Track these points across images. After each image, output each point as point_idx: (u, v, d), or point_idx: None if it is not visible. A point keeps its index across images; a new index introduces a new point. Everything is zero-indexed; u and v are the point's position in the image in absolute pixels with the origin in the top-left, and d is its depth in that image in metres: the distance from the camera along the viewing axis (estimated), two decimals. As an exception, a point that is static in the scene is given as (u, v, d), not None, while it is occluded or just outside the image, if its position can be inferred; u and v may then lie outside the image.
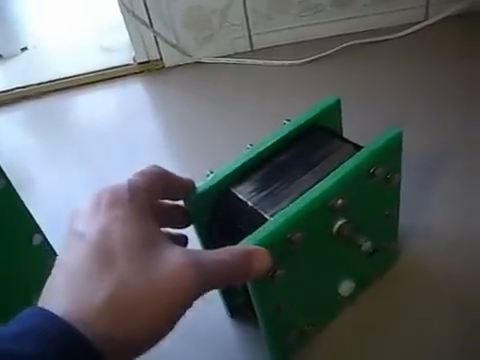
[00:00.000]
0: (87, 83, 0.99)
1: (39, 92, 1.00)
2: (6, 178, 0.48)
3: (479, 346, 0.47)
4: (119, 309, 0.29)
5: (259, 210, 0.41)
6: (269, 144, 0.46)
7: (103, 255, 0.30)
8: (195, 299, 0.32)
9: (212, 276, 0.33)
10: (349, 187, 0.41)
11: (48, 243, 0.54)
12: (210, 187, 0.43)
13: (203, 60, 0.96)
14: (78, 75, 1.00)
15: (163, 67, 0.98)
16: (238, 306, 0.51)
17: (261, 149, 0.46)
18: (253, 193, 0.43)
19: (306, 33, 0.95)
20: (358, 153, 0.43)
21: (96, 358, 0.27)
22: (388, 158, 0.44)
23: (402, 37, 0.91)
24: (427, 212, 0.60)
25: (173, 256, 0.31)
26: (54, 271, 0.32)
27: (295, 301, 0.44)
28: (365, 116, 0.74)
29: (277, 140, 0.47)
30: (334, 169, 0.42)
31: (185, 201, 0.43)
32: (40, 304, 0.30)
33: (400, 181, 0.47)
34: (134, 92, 0.97)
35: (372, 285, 0.53)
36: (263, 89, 0.88)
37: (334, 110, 0.50)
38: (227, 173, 0.44)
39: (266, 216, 0.40)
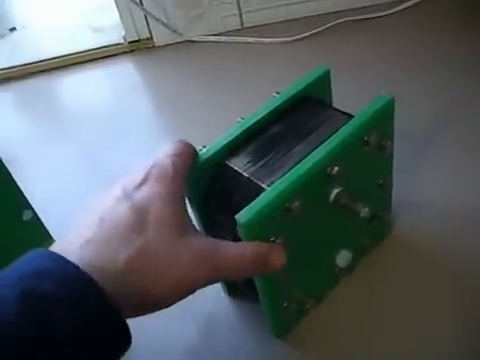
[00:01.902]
0: (77, 63, 0.98)
1: (28, 72, 0.98)
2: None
3: (470, 314, 0.48)
4: (136, 269, 0.32)
5: (256, 180, 0.41)
6: (261, 116, 0.46)
7: (138, 222, 0.33)
8: (205, 286, 0.35)
9: (227, 270, 0.35)
10: (344, 154, 0.41)
11: (38, 219, 0.54)
12: (204, 161, 0.43)
13: (194, 38, 0.95)
14: (68, 55, 0.98)
15: (154, 46, 0.97)
16: (236, 284, 0.51)
17: (253, 121, 0.45)
18: (248, 164, 0.42)
19: (297, 10, 0.94)
20: (351, 120, 0.43)
21: (107, 307, 0.29)
22: (381, 125, 0.44)
23: (394, 13, 0.91)
24: (421, 184, 0.60)
25: (194, 244, 0.34)
26: (85, 218, 0.35)
27: (294, 272, 0.43)
28: (357, 91, 0.73)
29: (269, 112, 0.46)
30: (328, 137, 0.42)
31: None
32: (63, 243, 0.33)
33: (393, 149, 0.48)
34: (125, 71, 0.96)
35: (366, 257, 0.53)
36: (254, 67, 0.87)
37: (324, 81, 0.50)
38: (221, 146, 0.43)
39: (263, 186, 0.40)
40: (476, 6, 0.88)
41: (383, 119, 0.44)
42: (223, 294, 0.53)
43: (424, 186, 0.60)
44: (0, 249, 0.50)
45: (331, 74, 0.50)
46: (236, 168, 0.42)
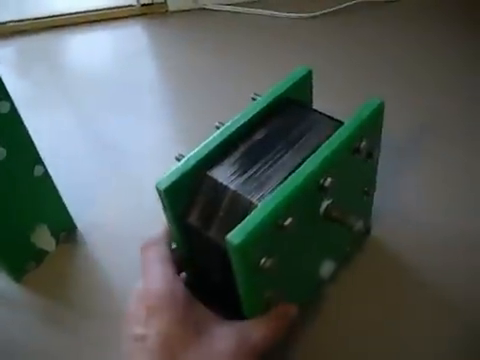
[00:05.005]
0: (86, 22, 0.96)
1: (35, 27, 0.96)
2: (11, 102, 0.46)
3: (443, 315, 0.48)
4: None
5: (244, 195, 0.37)
6: (242, 122, 0.42)
7: (167, 353, 0.36)
8: None
9: (259, 346, 0.38)
10: (337, 164, 0.39)
11: (49, 175, 0.53)
12: (183, 174, 0.38)
13: (208, 6, 0.94)
14: (77, 13, 0.96)
15: (167, 11, 0.95)
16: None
17: (235, 127, 0.41)
18: (233, 176, 0.38)
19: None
20: (342, 128, 0.40)
21: None
22: (371, 132, 0.42)
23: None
24: (399, 188, 0.60)
25: (224, 341, 0.37)
26: None
27: (281, 289, 0.40)
28: (359, 77, 0.73)
29: (250, 117, 0.42)
30: (318, 145, 0.39)
31: (158, 192, 0.38)
32: None
33: (379, 156, 0.46)
34: (134, 35, 0.94)
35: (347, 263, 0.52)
36: (267, 41, 0.86)
37: (306, 82, 0.47)
38: (201, 156, 0.39)
39: (253, 201, 0.36)
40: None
41: (373, 125, 0.42)
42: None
43: (402, 189, 0.59)
44: (10, 203, 0.49)
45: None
46: (220, 180, 0.38)
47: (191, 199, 0.40)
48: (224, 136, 0.41)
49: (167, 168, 0.38)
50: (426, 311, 0.48)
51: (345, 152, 0.39)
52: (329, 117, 0.43)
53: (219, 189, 0.38)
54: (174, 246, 0.43)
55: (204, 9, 0.94)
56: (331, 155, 0.38)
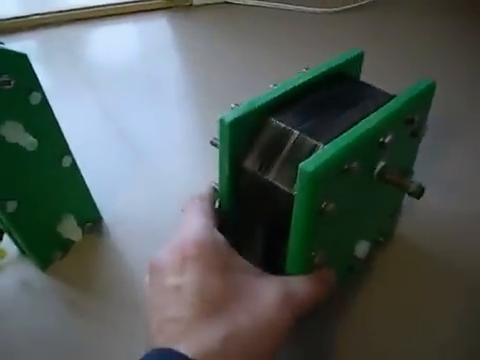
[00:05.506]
0: (110, 15, 0.97)
1: (59, 20, 0.96)
2: (43, 93, 0.47)
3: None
4: (234, 346, 0.32)
5: (310, 138, 0.37)
6: (301, 81, 0.42)
7: (207, 304, 0.33)
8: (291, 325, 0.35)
9: (305, 303, 0.36)
10: (394, 127, 0.39)
11: (76, 166, 0.53)
12: (246, 113, 0.38)
13: (233, 0, 0.94)
14: (101, 6, 0.97)
15: (191, 4, 0.96)
16: None
17: (295, 84, 0.42)
18: (297, 122, 0.39)
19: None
20: (398, 97, 0.41)
21: None
22: (422, 108, 0.42)
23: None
24: (424, 177, 0.59)
25: (268, 293, 0.35)
26: (160, 323, 0.34)
27: (327, 252, 0.40)
28: (380, 70, 0.72)
29: (308, 79, 0.43)
30: (375, 109, 0.39)
31: (222, 126, 0.38)
32: (161, 346, 0.33)
33: (423, 136, 0.46)
34: (159, 28, 0.95)
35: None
36: (291, 36, 0.86)
37: (356, 62, 0.48)
38: (265, 101, 0.39)
39: (319, 144, 0.37)
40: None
41: (424, 102, 0.43)
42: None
43: (428, 177, 0.58)
44: (39, 193, 0.50)
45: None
46: (284, 125, 0.39)
47: (249, 144, 0.40)
48: (284, 90, 0.41)
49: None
50: (450, 294, 0.49)
51: (400, 119, 0.40)
52: (384, 91, 0.44)
53: (283, 133, 0.39)
54: (217, 205, 0.43)
55: (228, 3, 0.94)
56: (391, 115, 0.38)
